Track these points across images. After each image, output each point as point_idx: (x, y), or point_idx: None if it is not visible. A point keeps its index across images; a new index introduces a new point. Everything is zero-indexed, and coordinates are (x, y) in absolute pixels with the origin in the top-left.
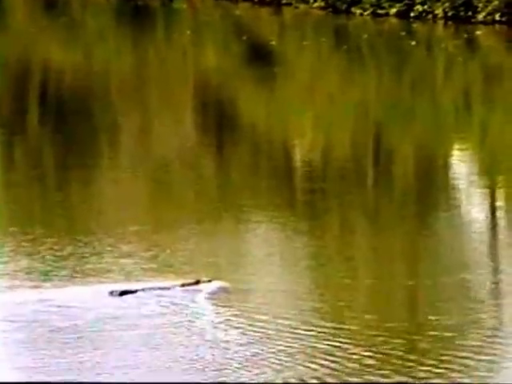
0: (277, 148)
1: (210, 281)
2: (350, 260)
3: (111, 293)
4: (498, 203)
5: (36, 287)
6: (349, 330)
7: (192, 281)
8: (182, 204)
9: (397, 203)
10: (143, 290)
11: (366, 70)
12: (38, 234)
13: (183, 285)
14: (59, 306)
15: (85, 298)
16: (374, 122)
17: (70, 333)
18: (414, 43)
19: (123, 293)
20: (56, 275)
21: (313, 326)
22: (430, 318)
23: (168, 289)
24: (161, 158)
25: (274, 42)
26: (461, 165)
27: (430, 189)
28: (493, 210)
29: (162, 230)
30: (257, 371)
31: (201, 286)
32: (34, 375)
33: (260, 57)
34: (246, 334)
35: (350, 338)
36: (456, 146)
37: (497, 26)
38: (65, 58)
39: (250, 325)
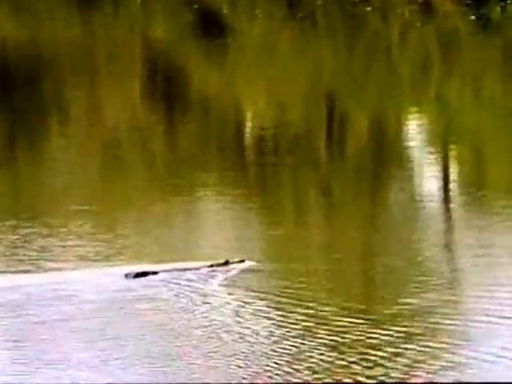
0: (228, 119)
1: (241, 261)
2: (300, 240)
3: (126, 275)
4: (453, 175)
5: (41, 270)
6: (309, 310)
7: (221, 261)
8: (135, 182)
9: (350, 176)
10: (164, 271)
11: (320, 37)
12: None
13: (212, 265)
14: (72, 290)
15: (98, 281)
16: (327, 91)
17: (79, 319)
18: (369, 9)
19: (139, 275)
20: (69, 259)
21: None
22: (385, 296)
23: (196, 269)
24: (109, 131)
25: (225, 11)
26: (416, 135)
27: (385, 160)
28: (447, 181)
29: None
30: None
31: (231, 267)
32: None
33: (211, 26)
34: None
35: (316, 322)
36: (412, 115)
37: None
38: (9, 32)
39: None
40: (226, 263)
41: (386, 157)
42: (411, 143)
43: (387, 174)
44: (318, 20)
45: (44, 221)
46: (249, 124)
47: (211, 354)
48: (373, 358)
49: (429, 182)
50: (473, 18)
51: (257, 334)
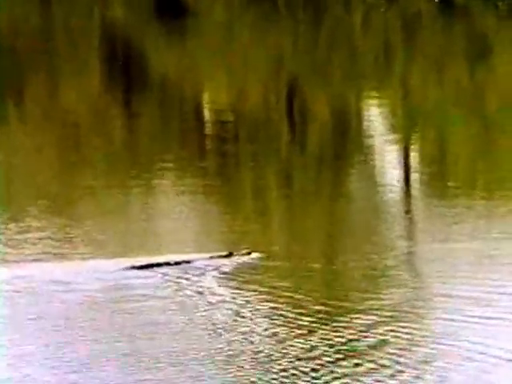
0: (188, 103)
1: (249, 253)
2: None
3: (129, 267)
4: (414, 162)
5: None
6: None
7: (224, 253)
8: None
9: (311, 163)
10: (163, 264)
11: (282, 21)
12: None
13: (212, 257)
14: (66, 283)
15: (100, 272)
16: (288, 76)
17: (70, 314)
18: None
19: (136, 267)
20: (74, 251)
21: None
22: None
23: (191, 262)
24: (67, 115)
25: None
26: (378, 120)
27: (347, 146)
28: (407, 168)
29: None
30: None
31: (234, 259)
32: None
33: (171, 8)
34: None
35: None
36: (374, 101)
37: None
38: None
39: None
40: (230, 255)
41: (347, 142)
42: (373, 129)
43: (349, 161)
44: (279, 4)
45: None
46: (208, 109)
47: (209, 352)
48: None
49: (390, 169)
50: (437, 1)
51: (254, 330)
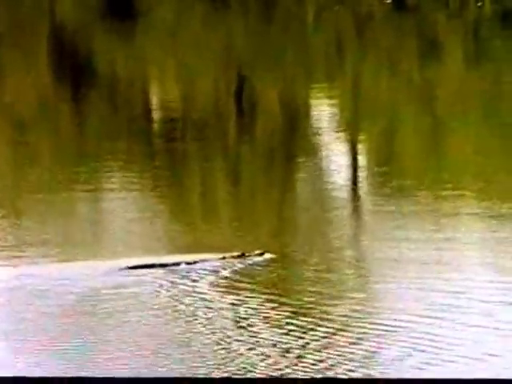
0: (136, 100)
1: (261, 254)
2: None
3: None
4: (364, 157)
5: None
6: None
7: (236, 253)
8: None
9: (260, 157)
10: (171, 264)
11: (232, 15)
12: None
13: (224, 257)
14: (66, 282)
15: (99, 273)
16: (238, 72)
17: (70, 313)
18: None
19: (143, 267)
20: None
21: None
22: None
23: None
24: (15, 112)
25: None
26: (327, 115)
27: (295, 140)
28: (356, 164)
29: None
30: None
31: (247, 260)
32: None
33: (120, 4)
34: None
35: None
36: (323, 96)
37: None
38: None
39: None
40: (242, 255)
41: (296, 137)
42: (322, 124)
43: (297, 155)
44: (230, 1)
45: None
46: (157, 104)
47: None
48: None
49: (339, 162)
50: (389, 2)
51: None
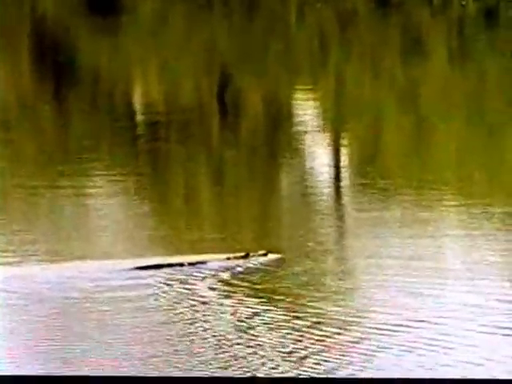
0: (118, 98)
1: (265, 254)
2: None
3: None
4: (346, 156)
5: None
6: None
7: (240, 254)
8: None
9: (243, 157)
10: (173, 265)
11: (215, 14)
12: None
13: (228, 258)
14: (75, 283)
15: (104, 273)
16: (222, 69)
17: (77, 313)
18: None
19: (149, 267)
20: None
21: None
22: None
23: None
24: None
25: None
26: (311, 114)
27: (279, 140)
28: (338, 163)
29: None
30: None
31: (251, 260)
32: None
33: (103, 3)
34: None
35: None
36: (307, 94)
37: None
38: None
39: None
40: (247, 256)
41: (279, 137)
42: (305, 123)
43: (281, 155)
44: (213, 0)
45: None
46: (139, 103)
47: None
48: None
49: (322, 162)
50: None
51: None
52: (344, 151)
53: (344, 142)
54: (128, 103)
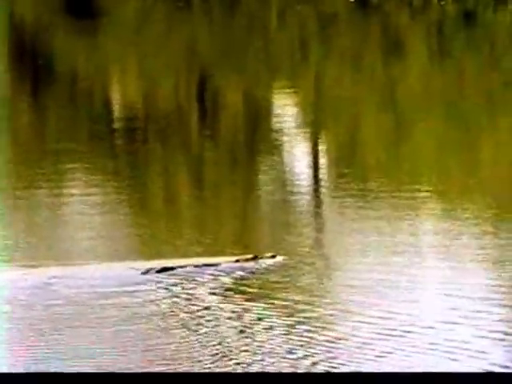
0: (96, 98)
1: (273, 256)
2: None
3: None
4: (326, 156)
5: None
6: None
7: (249, 256)
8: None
9: (222, 157)
10: (183, 267)
11: (195, 15)
12: None
13: (237, 261)
14: (80, 286)
15: (110, 277)
16: (201, 67)
17: (80, 316)
18: None
19: (157, 271)
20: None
21: None
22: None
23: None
24: None
25: None
26: (291, 113)
27: (258, 140)
28: (317, 163)
29: None
30: None
31: (259, 262)
32: None
33: (81, 6)
34: None
35: None
36: (287, 94)
37: None
38: None
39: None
40: (255, 258)
41: (258, 136)
42: (285, 123)
43: (260, 154)
44: (193, 0)
45: None
46: (118, 103)
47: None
48: None
49: (301, 162)
50: (352, 1)
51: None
52: (323, 150)
53: (323, 140)
54: (106, 104)
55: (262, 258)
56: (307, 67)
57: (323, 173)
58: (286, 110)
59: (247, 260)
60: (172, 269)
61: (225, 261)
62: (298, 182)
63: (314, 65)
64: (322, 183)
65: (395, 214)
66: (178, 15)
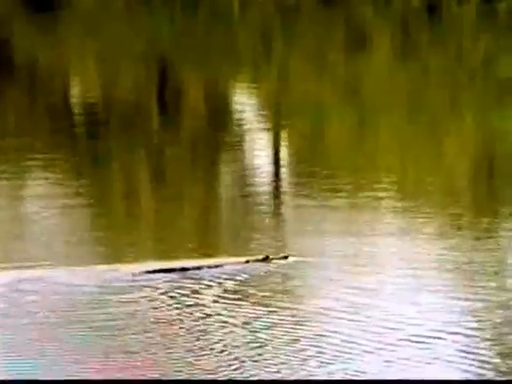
0: (55, 92)
1: (285, 257)
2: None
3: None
4: (287, 151)
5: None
6: None
7: (260, 257)
8: None
9: (183, 153)
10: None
11: (156, 7)
12: None
13: (248, 261)
14: (73, 288)
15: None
16: (162, 59)
17: (75, 320)
18: None
19: (162, 271)
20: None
21: None
22: None
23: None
24: None
25: None
26: (253, 107)
27: (219, 135)
28: (278, 158)
29: None
30: None
31: (271, 264)
32: None
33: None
34: None
35: None
36: (249, 88)
37: None
38: None
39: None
40: (266, 259)
41: (220, 132)
42: (247, 119)
43: (222, 151)
44: None
45: None
46: (77, 97)
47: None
48: None
49: (262, 157)
50: None
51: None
52: (284, 147)
53: (285, 137)
54: (65, 100)
55: (273, 258)
56: (269, 61)
57: (284, 171)
58: (247, 106)
59: (258, 261)
60: (178, 270)
61: (234, 262)
62: (257, 179)
63: (276, 59)
64: (283, 180)
65: (355, 212)
66: (139, 7)
